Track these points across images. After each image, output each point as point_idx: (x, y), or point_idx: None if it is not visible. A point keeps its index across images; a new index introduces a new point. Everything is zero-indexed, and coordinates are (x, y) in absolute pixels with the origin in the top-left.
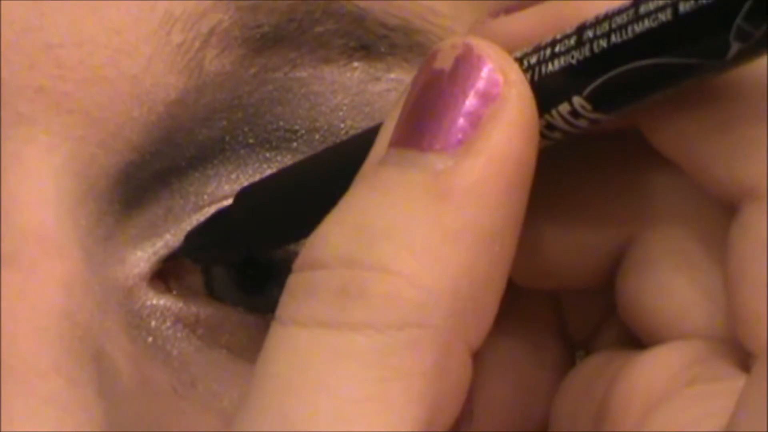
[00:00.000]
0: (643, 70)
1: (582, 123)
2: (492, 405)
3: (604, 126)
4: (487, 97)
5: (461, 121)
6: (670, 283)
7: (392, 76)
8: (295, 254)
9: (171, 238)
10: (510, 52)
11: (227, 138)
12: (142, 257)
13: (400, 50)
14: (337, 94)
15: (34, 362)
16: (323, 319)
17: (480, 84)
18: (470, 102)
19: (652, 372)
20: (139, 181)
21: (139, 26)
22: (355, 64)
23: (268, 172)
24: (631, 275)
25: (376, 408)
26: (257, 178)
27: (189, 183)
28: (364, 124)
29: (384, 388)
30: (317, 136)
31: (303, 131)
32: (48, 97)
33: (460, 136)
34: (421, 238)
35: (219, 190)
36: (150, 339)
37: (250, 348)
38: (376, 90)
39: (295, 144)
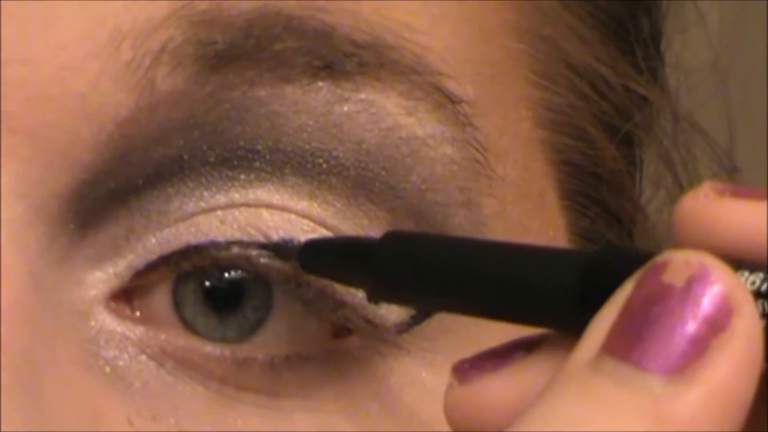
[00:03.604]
0: None
1: None
2: None
3: None
4: (716, 326)
5: (685, 345)
6: None
7: (362, 96)
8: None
9: (134, 258)
10: (740, 253)
11: (186, 156)
12: (101, 278)
13: (370, 69)
14: (300, 114)
15: None
16: None
17: (711, 310)
18: (698, 327)
19: None
20: (94, 200)
21: (86, 42)
22: (320, 83)
23: (233, 189)
24: None
25: None
26: (221, 195)
27: (149, 201)
28: (332, 146)
29: None
30: (281, 156)
31: (265, 151)
32: None
33: (681, 361)
34: None
35: (183, 208)
36: (108, 368)
37: (223, 380)
38: (344, 111)
39: (257, 163)
